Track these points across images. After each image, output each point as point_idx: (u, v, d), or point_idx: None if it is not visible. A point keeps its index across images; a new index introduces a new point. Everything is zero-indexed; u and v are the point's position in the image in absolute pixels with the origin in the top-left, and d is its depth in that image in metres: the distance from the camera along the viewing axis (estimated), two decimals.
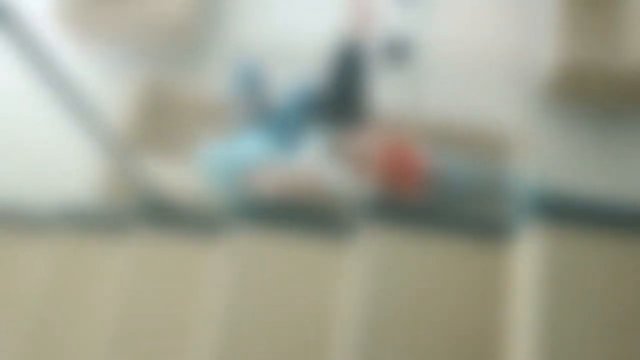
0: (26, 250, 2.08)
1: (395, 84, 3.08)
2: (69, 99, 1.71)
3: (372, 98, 2.98)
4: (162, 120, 3.00)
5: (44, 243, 2.08)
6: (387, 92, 3.03)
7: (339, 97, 2.99)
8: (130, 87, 3.02)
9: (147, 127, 2.96)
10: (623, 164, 3.00)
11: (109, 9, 3.15)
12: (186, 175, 2.87)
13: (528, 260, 1.27)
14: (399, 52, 3.13)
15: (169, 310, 1.73)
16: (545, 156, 2.93)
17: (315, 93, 2.98)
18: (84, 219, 2.12)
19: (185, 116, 3.02)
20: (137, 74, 3.11)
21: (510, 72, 3.10)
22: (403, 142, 2.86)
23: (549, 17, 3.04)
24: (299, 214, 1.70)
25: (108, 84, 3.15)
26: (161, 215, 1.87)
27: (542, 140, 2.98)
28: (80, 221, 2.12)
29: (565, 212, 1.24)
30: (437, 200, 1.51)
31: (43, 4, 3.33)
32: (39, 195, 2.47)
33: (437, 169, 2.80)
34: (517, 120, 3.03)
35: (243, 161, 2.81)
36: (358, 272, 1.48)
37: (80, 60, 3.23)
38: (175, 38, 3.21)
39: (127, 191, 2.77)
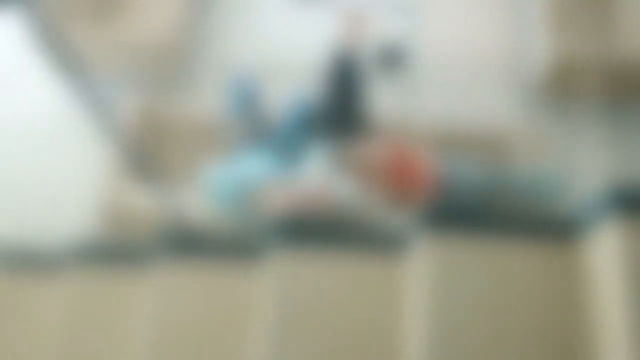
0: (43, 292, 1.97)
1: (394, 91, 3.04)
2: (90, 117, 1.62)
3: (372, 107, 2.93)
4: (158, 145, 2.90)
5: (61, 282, 1.97)
6: (386, 100, 2.98)
7: (339, 109, 2.93)
8: (123, 113, 2.92)
9: (145, 154, 2.86)
10: (624, 152, 2.99)
11: (94, 32, 3.04)
12: (190, 200, 2.78)
13: (609, 256, 1.22)
14: (394, 59, 3.08)
15: (210, 342, 1.64)
16: (554, 151, 2.91)
17: (314, 107, 2.92)
18: (101, 253, 2.02)
19: (182, 140, 2.92)
20: (128, 100, 3.01)
21: (506, 71, 3.07)
22: (407, 149, 2.81)
23: (541, 14, 3.02)
24: (336, 230, 1.63)
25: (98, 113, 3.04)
26: (187, 243, 1.78)
27: (545, 136, 2.95)
28: (97, 256, 2.01)
29: None
30: (486, 203, 1.45)
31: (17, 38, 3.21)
32: (46, 233, 2.36)
33: (443, 172, 2.76)
34: (516, 119, 3.00)
35: (248, 182, 2.73)
36: (417, 285, 1.41)
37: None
38: (165, 59, 3.12)
39: (134, 221, 2.67)
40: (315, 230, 1.59)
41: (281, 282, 1.52)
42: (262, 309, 1.58)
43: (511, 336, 1.30)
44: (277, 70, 3.09)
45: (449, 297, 1.31)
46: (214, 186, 2.75)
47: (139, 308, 1.87)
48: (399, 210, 2.67)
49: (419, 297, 1.39)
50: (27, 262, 2.06)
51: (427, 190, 2.74)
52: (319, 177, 2.76)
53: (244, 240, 1.79)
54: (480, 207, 1.39)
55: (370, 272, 1.49)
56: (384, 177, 2.74)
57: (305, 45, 3.13)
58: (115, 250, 2.03)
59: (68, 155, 2.81)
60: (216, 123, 2.97)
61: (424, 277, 1.36)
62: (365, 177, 2.76)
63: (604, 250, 1.24)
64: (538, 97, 3.03)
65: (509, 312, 1.32)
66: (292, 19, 3.22)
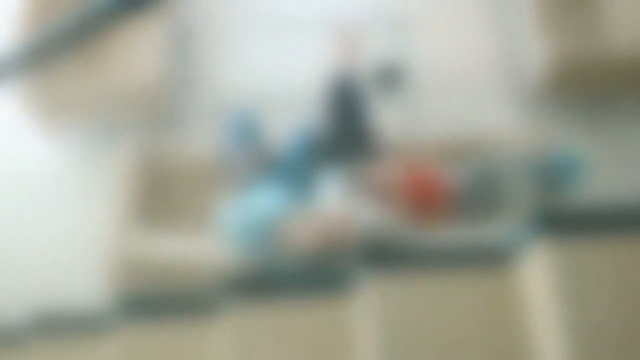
0: (95, 356, 1.84)
1: (397, 109, 3.01)
2: None
3: (377, 127, 2.89)
4: (163, 191, 2.78)
5: (112, 342, 1.84)
6: (390, 119, 2.95)
7: (345, 133, 2.89)
8: (122, 162, 2.79)
9: (150, 200, 2.74)
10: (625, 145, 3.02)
11: (80, 81, 2.91)
12: (203, 244, 2.67)
13: None
14: (392, 77, 3.06)
15: None
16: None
17: (318, 134, 2.86)
18: (146, 307, 1.91)
19: (187, 182, 2.82)
20: (126, 147, 2.88)
21: (504, 77, 3.09)
22: (420, 165, 2.77)
23: (531, 17, 3.04)
24: (425, 250, 1.57)
25: (96, 163, 2.92)
26: (257, 285, 1.69)
27: (547, 137, 2.96)
28: (143, 311, 1.90)
29: None
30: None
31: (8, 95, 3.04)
32: (70, 292, 2.23)
33: (459, 184, 2.73)
34: (518, 122, 3.01)
35: (266, 218, 2.64)
36: (538, 294, 1.36)
37: (60, 144, 2.98)
38: (158, 101, 3.01)
39: (153, 271, 2.55)
40: (406, 252, 1.53)
41: (383, 309, 1.45)
42: (362, 339, 1.50)
43: None
44: (275, 100, 3.02)
45: (581, 301, 1.26)
46: (231, 227, 2.65)
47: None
48: (423, 228, 2.63)
49: (543, 305, 1.33)
50: (68, 325, 1.93)
51: (447, 203, 2.71)
52: (336, 204, 2.69)
53: (321, 274, 1.72)
54: (588, 206, 1.35)
55: (476, 286, 1.43)
56: (403, 196, 2.69)
57: (299, 72, 3.08)
58: (164, 303, 1.91)
59: (75, 211, 2.68)
60: (219, 161, 2.87)
61: (545, 284, 1.31)
62: (382, 199, 2.71)
63: None
64: (537, 100, 3.05)
65: None
66: (284, 47, 3.17)
